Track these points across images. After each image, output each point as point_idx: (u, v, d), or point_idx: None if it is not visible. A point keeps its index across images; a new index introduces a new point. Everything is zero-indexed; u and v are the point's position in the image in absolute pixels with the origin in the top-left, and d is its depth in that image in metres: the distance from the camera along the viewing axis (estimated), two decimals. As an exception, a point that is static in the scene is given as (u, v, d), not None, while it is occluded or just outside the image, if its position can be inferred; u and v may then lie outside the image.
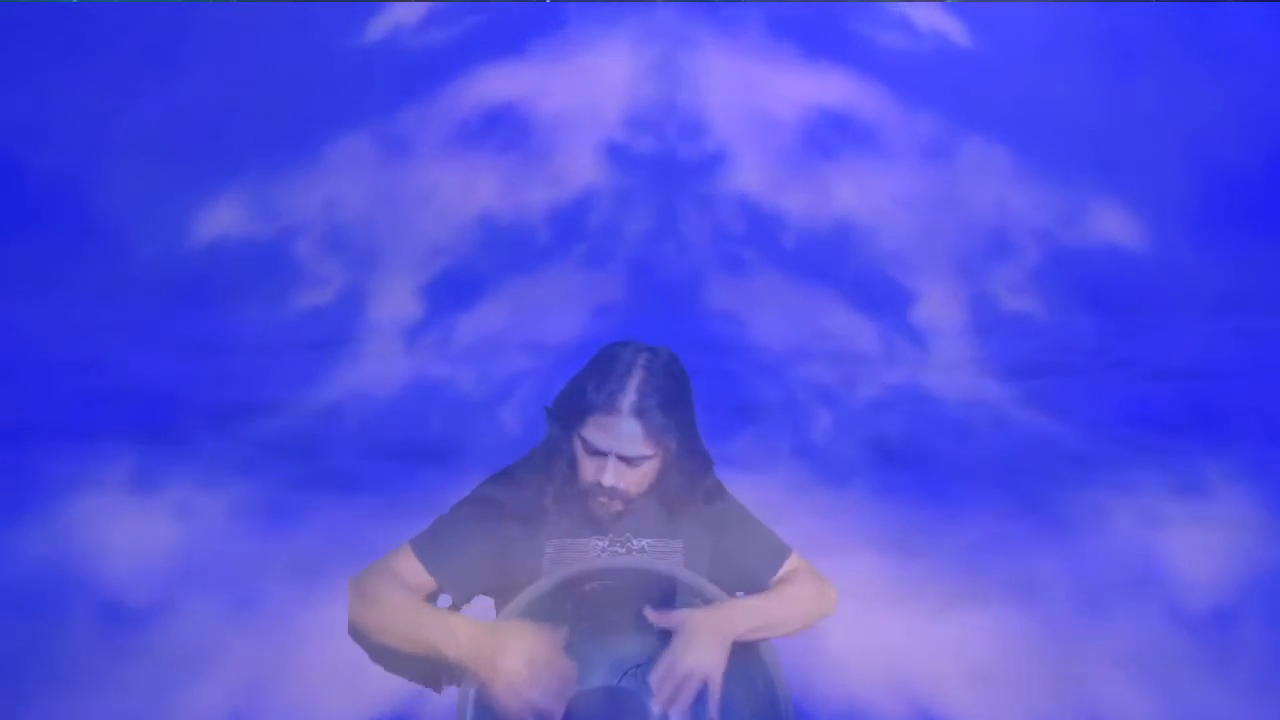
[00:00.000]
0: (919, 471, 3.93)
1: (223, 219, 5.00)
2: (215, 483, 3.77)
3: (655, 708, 1.65)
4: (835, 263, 5.26)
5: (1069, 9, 6.10)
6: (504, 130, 5.43)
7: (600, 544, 1.86)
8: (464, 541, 1.82)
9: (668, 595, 1.78)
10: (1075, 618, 3.21)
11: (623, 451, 1.79)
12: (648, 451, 1.81)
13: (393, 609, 1.71)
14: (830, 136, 5.72)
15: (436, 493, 2.03)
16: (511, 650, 1.64)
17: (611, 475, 1.80)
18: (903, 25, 6.11)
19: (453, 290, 4.93)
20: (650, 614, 1.72)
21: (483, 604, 1.87)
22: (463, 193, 5.21)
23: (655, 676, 1.66)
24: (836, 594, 1.94)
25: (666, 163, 5.45)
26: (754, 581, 1.90)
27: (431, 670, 1.78)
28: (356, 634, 1.76)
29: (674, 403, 1.83)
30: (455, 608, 1.83)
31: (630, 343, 1.88)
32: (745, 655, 1.75)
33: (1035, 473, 3.91)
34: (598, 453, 1.80)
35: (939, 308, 5.00)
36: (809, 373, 4.60)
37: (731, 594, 1.84)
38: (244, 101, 5.37)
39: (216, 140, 5.20)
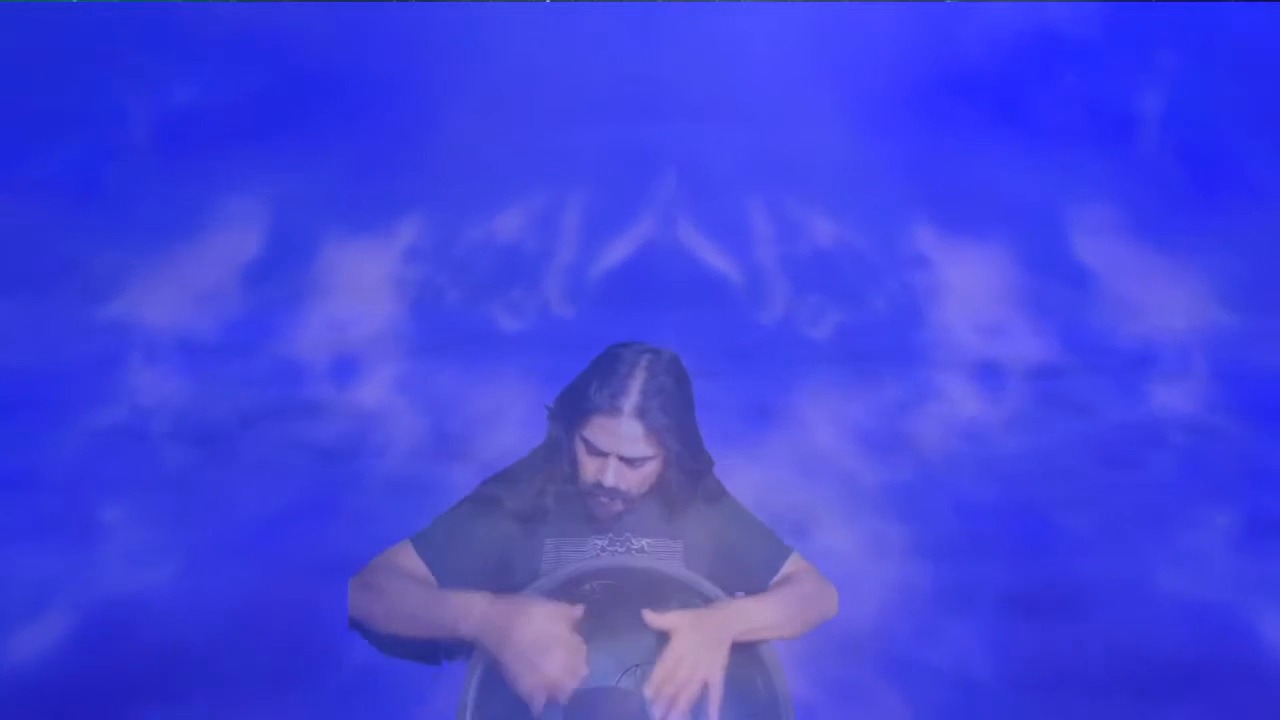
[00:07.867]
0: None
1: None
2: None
3: (656, 712, 1.63)
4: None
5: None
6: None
7: (600, 543, 1.87)
8: (464, 539, 1.85)
9: (667, 595, 1.78)
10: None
11: (624, 452, 1.81)
12: (649, 452, 1.82)
13: (401, 596, 1.73)
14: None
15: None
16: (526, 623, 1.63)
17: (613, 476, 1.82)
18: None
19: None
20: (648, 615, 1.70)
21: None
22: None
23: (654, 680, 1.64)
24: (837, 595, 1.94)
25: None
26: (754, 581, 1.90)
27: (433, 649, 1.79)
28: (361, 627, 1.78)
29: (675, 404, 1.84)
30: None
31: (633, 344, 1.90)
32: (744, 655, 1.75)
33: None
34: (599, 453, 1.82)
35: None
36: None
37: (731, 594, 1.84)
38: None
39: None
